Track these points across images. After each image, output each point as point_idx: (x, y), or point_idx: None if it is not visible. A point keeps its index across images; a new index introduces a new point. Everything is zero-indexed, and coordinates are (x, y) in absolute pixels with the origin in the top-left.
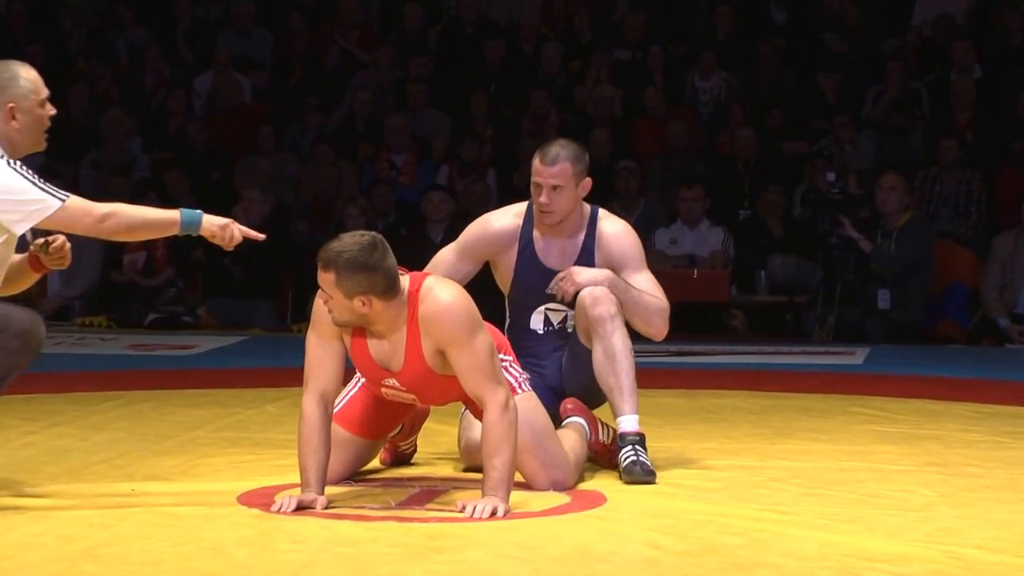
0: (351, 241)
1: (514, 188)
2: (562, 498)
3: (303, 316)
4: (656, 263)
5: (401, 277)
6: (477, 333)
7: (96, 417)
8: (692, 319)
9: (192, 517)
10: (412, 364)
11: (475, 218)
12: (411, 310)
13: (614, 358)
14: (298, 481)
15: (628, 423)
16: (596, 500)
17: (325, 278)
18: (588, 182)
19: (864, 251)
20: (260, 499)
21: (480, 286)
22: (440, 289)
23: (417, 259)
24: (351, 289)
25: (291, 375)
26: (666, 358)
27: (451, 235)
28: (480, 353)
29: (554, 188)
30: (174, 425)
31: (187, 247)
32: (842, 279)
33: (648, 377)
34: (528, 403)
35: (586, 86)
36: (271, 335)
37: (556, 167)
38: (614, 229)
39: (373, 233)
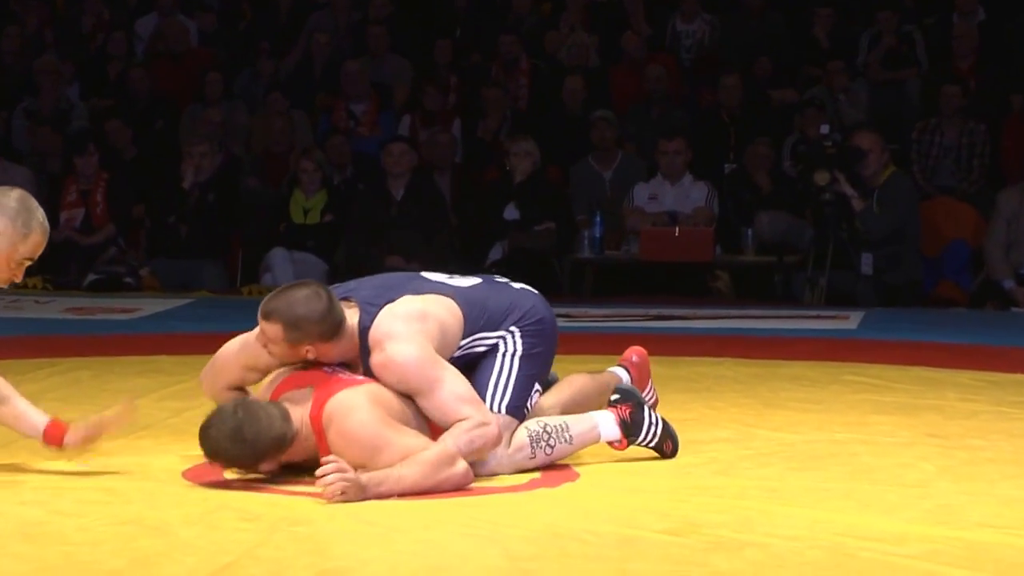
0: (219, 432)
1: (479, 140)
2: (531, 472)
3: (253, 277)
4: (635, 220)
5: (292, 410)
6: (397, 440)
7: (29, 386)
8: (673, 281)
9: (134, 493)
10: None
11: (439, 172)
12: (318, 439)
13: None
14: None
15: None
16: (568, 475)
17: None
18: (320, 348)
19: (856, 210)
20: (207, 474)
21: None
22: (343, 415)
23: (376, 216)
24: (248, 465)
25: None
26: (645, 323)
27: (413, 190)
28: (406, 450)
29: (267, 338)
30: (114, 394)
31: (129, 202)
32: (835, 238)
33: (624, 343)
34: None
35: (560, 30)
36: (219, 298)
37: (267, 324)
38: (379, 366)
39: (237, 403)
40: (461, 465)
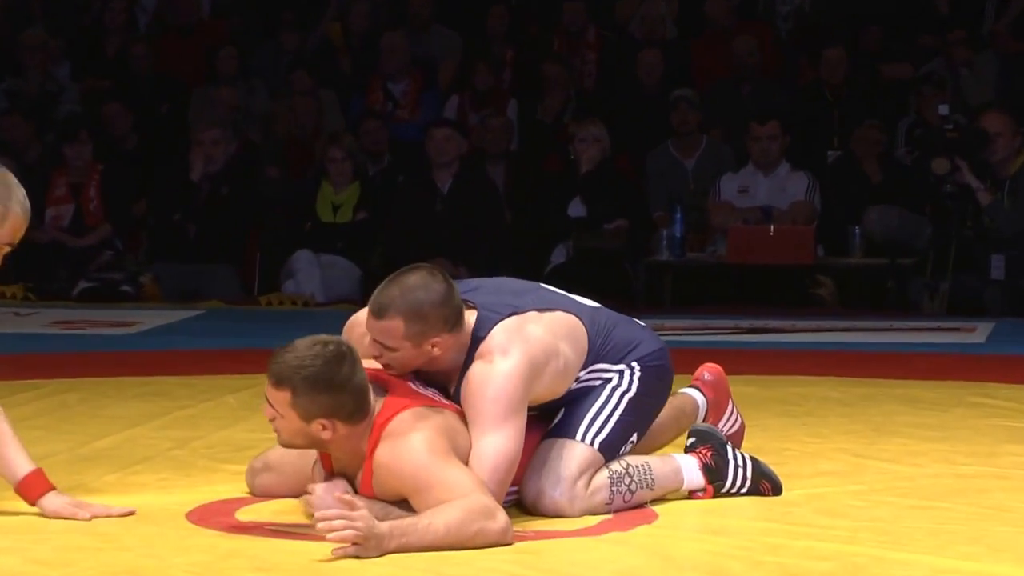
0: (310, 352)
1: (539, 124)
2: (601, 513)
3: (273, 285)
4: (723, 217)
5: (376, 398)
6: (443, 473)
7: (10, 412)
8: (767, 288)
9: (129, 538)
10: (369, 494)
11: (492, 161)
12: (371, 445)
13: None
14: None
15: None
16: (645, 516)
17: (278, 396)
18: (445, 341)
19: (982, 203)
20: (216, 516)
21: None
22: (403, 434)
23: (419, 213)
24: (311, 411)
25: (256, 358)
26: (734, 336)
27: (461, 182)
28: (450, 488)
29: (384, 345)
30: (108, 422)
31: (127, 198)
32: (958, 237)
33: (713, 360)
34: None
35: None
36: (232, 308)
37: (383, 322)
38: (471, 373)
39: (338, 339)
40: (501, 519)
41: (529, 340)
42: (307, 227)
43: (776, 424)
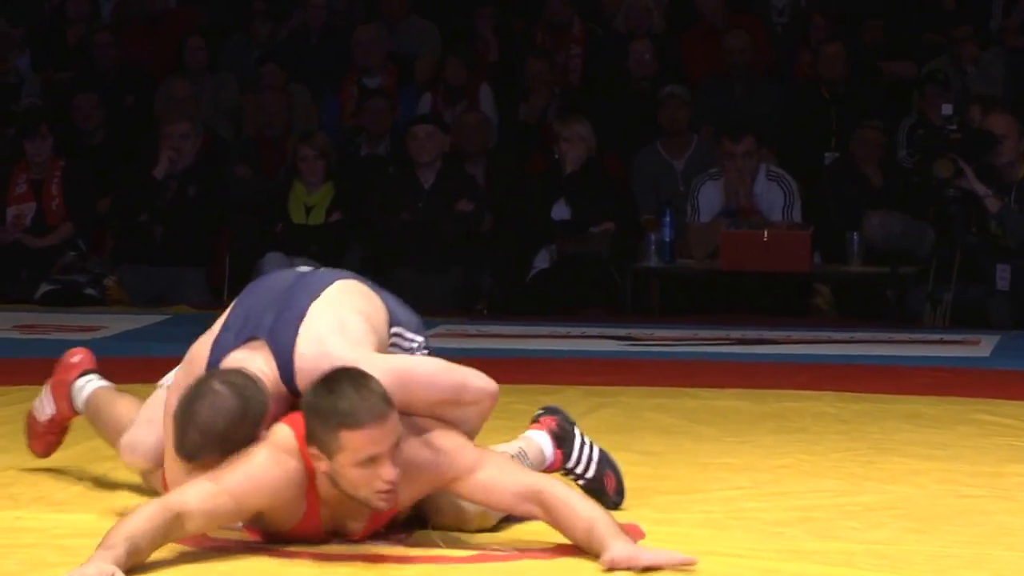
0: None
1: (521, 122)
2: None
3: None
4: (703, 243)
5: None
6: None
7: None
8: (761, 297)
9: None
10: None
11: (470, 159)
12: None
13: None
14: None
15: None
16: (631, 534)
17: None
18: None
19: (991, 210)
20: None
21: None
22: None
23: (401, 210)
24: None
25: None
26: (727, 348)
27: (443, 180)
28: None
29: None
30: (73, 430)
31: (91, 196)
32: (962, 245)
33: (703, 373)
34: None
35: None
36: (201, 313)
37: (200, 466)
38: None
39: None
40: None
41: (356, 332)
42: (278, 228)
43: (769, 441)
